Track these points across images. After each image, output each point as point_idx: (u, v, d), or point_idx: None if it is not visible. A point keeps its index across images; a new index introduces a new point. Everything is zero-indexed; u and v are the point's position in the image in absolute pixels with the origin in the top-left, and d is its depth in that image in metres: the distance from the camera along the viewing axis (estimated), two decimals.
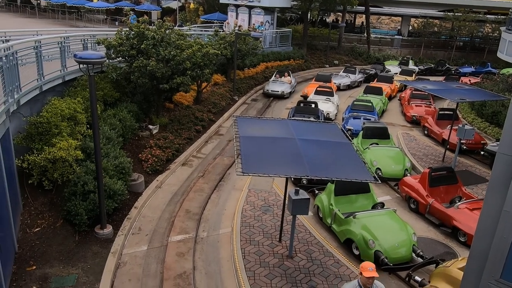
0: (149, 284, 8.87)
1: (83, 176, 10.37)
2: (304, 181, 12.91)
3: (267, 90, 24.46)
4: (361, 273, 6.04)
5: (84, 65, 8.56)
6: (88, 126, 11.99)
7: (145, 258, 9.73)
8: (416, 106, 21.45)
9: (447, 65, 36.51)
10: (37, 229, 9.76)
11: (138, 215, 11.36)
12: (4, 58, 8.93)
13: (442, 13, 41.96)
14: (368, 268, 6.00)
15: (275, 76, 25.91)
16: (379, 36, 45.95)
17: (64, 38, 13.45)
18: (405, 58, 36.25)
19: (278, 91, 24.07)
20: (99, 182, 9.63)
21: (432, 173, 12.10)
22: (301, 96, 23.73)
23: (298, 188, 9.13)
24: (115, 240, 10.01)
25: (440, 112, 18.71)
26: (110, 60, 15.17)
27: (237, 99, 22.51)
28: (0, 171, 8.50)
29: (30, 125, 10.40)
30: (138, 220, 11.16)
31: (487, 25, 41.33)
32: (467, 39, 43.58)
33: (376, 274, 5.98)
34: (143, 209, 11.68)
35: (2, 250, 7.64)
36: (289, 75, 25.89)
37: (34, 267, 8.74)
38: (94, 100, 9.13)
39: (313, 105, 19.08)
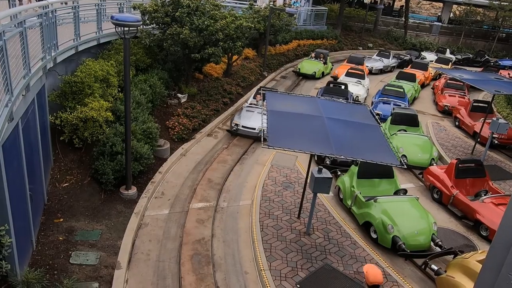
0: (168, 246, 9.15)
1: (112, 137, 10.64)
2: (328, 162, 12.87)
3: (236, 126, 14.94)
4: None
5: (120, 28, 8.66)
6: (119, 89, 12.23)
7: (166, 221, 10.01)
8: (449, 96, 20.84)
9: (487, 56, 35.06)
10: (66, 184, 10.14)
11: (162, 180, 11.63)
12: (44, 16, 9.10)
13: (487, 1, 40.06)
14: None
15: (254, 98, 16.55)
16: (418, 21, 44.38)
17: (101, 0, 13.57)
18: (442, 48, 34.80)
19: (254, 129, 14.64)
20: (127, 144, 9.87)
21: (460, 165, 11.86)
22: (331, 76, 23.36)
23: (322, 167, 9.12)
24: (138, 201, 10.32)
25: (474, 104, 18.14)
26: (144, 26, 15.28)
27: (266, 75, 22.38)
28: (35, 126, 8.82)
29: (64, 84, 10.69)
30: (162, 185, 11.44)
31: None
32: (511, 30, 41.59)
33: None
34: (167, 175, 11.95)
35: (33, 200, 8.00)
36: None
37: (62, 219, 9.14)
38: (128, 63, 9.26)
39: (342, 87, 18.81)
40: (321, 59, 24.58)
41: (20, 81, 7.35)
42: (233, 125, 15.11)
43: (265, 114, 14.63)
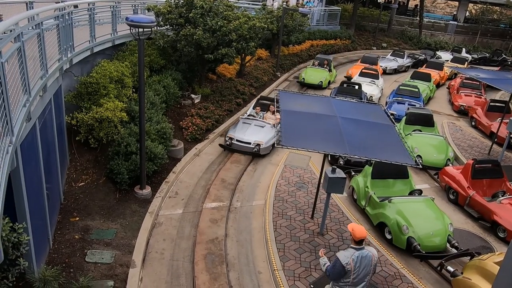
0: (182, 246, 9.20)
1: (126, 137, 10.75)
2: (341, 162, 12.79)
3: (230, 139, 13.49)
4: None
5: (135, 29, 8.75)
6: (134, 90, 12.35)
7: (180, 221, 10.07)
8: (465, 95, 20.53)
9: (504, 56, 34.46)
10: (82, 183, 10.28)
11: (176, 179, 11.71)
12: (60, 17, 9.25)
13: None
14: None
15: (254, 108, 15.30)
16: (433, 20, 43.86)
17: (116, 2, 13.74)
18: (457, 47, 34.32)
19: (249, 143, 13.35)
20: (142, 144, 9.97)
21: (476, 165, 11.67)
22: (344, 77, 23.22)
23: (335, 167, 9.07)
24: (152, 201, 10.41)
25: (490, 104, 17.86)
26: (158, 27, 15.42)
27: (279, 75, 22.35)
28: (52, 126, 8.97)
29: (80, 85, 10.84)
30: (176, 185, 11.51)
31: None
32: None
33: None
34: (181, 175, 12.02)
35: (50, 199, 8.13)
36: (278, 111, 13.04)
37: (77, 218, 9.26)
38: (142, 63, 9.35)
39: (356, 87, 18.69)
40: (326, 66, 22.44)
41: (38, 82, 7.48)
42: (227, 138, 13.57)
43: (263, 127, 13.99)
